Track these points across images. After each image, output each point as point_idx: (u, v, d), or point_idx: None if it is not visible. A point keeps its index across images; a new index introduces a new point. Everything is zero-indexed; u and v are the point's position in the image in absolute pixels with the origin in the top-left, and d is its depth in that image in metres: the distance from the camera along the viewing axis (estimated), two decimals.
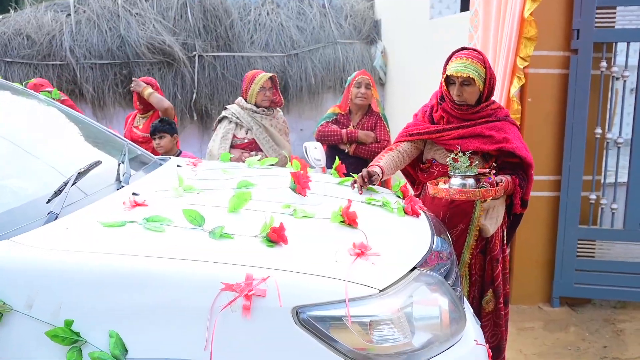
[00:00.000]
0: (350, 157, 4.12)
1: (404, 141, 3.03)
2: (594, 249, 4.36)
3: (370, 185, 2.71)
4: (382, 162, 2.88)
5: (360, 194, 2.58)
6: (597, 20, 4.08)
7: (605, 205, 4.34)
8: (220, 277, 1.59)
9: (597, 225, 4.39)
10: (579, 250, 4.33)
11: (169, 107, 4.57)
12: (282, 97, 4.27)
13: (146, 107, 4.68)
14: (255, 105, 4.10)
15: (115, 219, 1.85)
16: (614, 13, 4.13)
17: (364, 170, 2.70)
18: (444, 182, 2.80)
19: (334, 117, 4.30)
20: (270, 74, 4.15)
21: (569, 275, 4.33)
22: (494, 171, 2.84)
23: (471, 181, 2.68)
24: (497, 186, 2.73)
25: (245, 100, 4.13)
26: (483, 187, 2.69)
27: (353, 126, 4.22)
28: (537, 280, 4.41)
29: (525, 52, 3.84)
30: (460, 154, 2.71)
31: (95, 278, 1.60)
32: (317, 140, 4.21)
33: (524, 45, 3.83)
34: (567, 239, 4.30)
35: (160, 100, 4.56)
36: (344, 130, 4.17)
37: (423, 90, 4.92)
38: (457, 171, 2.69)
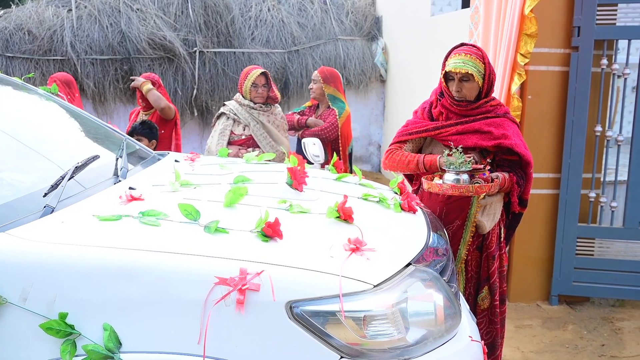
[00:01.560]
0: (300, 139, 4.57)
1: (404, 140, 3.04)
2: (593, 247, 4.36)
3: (367, 181, 2.71)
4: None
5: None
6: (598, 17, 4.07)
7: (605, 203, 4.34)
8: (214, 271, 1.59)
9: (597, 223, 4.38)
10: (578, 248, 4.33)
11: (165, 107, 4.53)
12: (277, 93, 4.26)
13: (149, 104, 4.65)
14: (252, 101, 4.09)
15: (111, 212, 1.86)
16: (615, 10, 4.12)
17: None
18: (439, 178, 2.81)
19: (303, 109, 4.79)
20: (262, 70, 4.13)
21: (568, 273, 4.33)
22: (488, 167, 2.84)
23: (465, 177, 2.69)
24: (492, 182, 2.73)
25: (243, 96, 4.12)
26: (477, 183, 2.70)
27: (314, 117, 4.66)
28: (535, 278, 4.41)
29: (526, 48, 3.84)
30: (455, 150, 2.71)
31: (90, 271, 1.60)
32: None
33: (524, 42, 3.84)
34: (566, 236, 4.29)
35: (157, 98, 4.53)
36: (296, 117, 4.62)
37: (424, 86, 4.93)
38: (451, 166, 2.69)
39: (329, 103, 4.62)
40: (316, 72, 4.69)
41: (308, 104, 4.81)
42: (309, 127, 4.55)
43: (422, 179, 2.87)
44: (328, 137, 4.48)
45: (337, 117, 4.56)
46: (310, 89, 4.68)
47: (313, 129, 4.51)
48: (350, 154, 4.78)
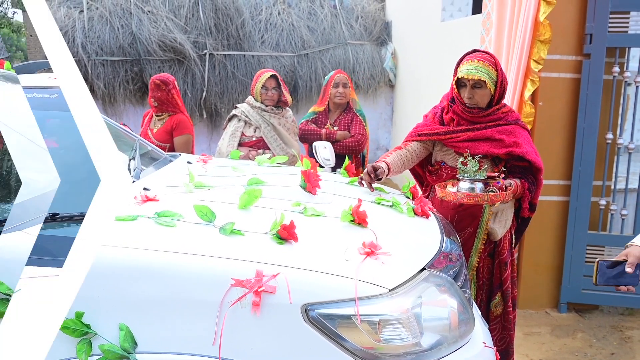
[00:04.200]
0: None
1: (413, 141, 3.02)
2: (602, 255, 4.33)
3: (378, 184, 2.70)
4: (388, 159, 2.86)
5: (372, 191, 2.58)
6: (610, 25, 4.06)
7: (615, 211, 4.32)
8: (230, 272, 1.60)
9: (607, 231, 4.36)
10: (587, 256, 4.31)
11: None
12: (289, 96, 4.25)
13: (161, 106, 4.46)
14: (263, 103, 4.11)
15: (127, 213, 1.86)
16: (628, 18, 4.11)
17: (369, 166, 2.68)
18: (452, 185, 2.77)
19: (314, 115, 4.39)
20: (272, 73, 4.13)
21: (577, 281, 4.31)
22: (502, 175, 2.81)
23: (480, 185, 2.64)
24: (505, 190, 2.69)
25: (255, 98, 4.14)
26: (492, 191, 2.65)
27: (330, 123, 4.33)
28: (544, 285, 4.40)
29: (539, 55, 3.83)
30: (470, 158, 2.68)
31: (107, 271, 1.61)
32: (299, 138, 4.31)
33: (538, 48, 3.83)
34: (576, 244, 4.28)
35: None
36: (323, 130, 4.28)
37: (433, 92, 4.92)
38: (466, 175, 2.65)
39: (354, 109, 4.35)
40: (341, 75, 4.33)
41: (318, 109, 4.41)
42: (339, 141, 4.21)
43: (435, 186, 2.82)
44: (362, 149, 4.27)
45: (365, 125, 4.32)
46: (342, 93, 4.27)
47: (347, 143, 4.21)
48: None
